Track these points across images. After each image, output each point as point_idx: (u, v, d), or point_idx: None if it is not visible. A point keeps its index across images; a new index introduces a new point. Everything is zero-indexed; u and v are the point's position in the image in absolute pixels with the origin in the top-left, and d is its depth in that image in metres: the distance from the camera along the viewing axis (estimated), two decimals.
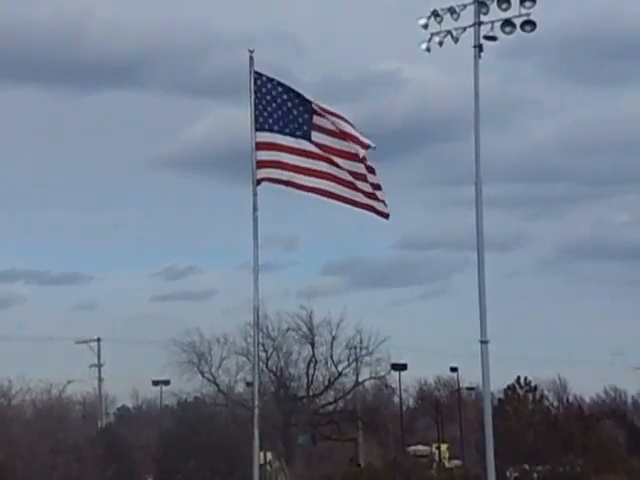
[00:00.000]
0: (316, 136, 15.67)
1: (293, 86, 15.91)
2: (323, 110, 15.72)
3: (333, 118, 15.69)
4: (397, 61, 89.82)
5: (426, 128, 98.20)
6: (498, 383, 48.61)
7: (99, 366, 75.01)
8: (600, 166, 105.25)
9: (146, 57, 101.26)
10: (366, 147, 15.73)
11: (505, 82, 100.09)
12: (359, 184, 15.67)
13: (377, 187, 15.79)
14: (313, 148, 15.71)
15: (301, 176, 15.72)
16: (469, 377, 66.62)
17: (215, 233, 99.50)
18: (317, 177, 15.71)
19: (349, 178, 15.67)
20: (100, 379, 74.83)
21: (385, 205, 15.86)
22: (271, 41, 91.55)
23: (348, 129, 15.70)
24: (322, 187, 15.75)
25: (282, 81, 15.87)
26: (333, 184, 15.70)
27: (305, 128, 15.69)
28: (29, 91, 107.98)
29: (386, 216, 15.92)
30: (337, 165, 15.69)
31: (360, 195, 15.71)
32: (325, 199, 15.82)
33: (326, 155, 15.71)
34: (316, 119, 15.69)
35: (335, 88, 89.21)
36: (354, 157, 15.63)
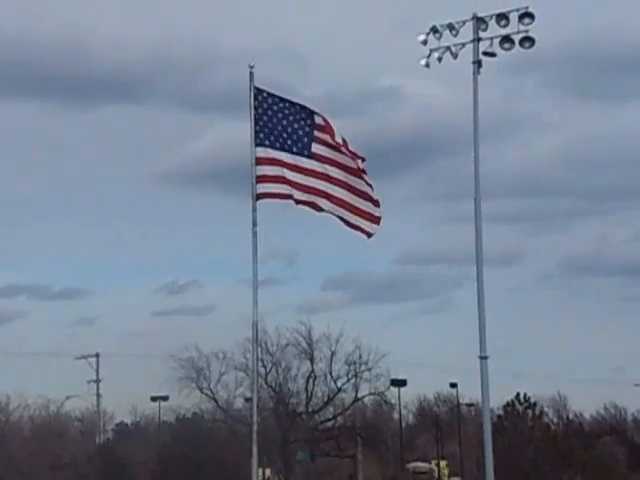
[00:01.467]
0: (317, 148, 15.71)
1: (294, 99, 15.98)
2: (325, 123, 15.80)
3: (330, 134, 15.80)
4: (399, 76, 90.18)
5: (428, 143, 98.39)
6: (498, 399, 48.57)
7: (97, 382, 74.84)
8: (601, 182, 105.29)
9: (148, 72, 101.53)
10: (361, 159, 15.90)
11: (507, 98, 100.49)
12: (356, 202, 15.72)
13: (376, 203, 15.84)
14: (311, 165, 15.77)
15: (299, 192, 15.79)
16: (469, 393, 66.54)
17: (216, 248, 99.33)
18: (314, 194, 15.80)
19: (345, 197, 15.74)
20: (98, 395, 74.71)
21: (378, 222, 15.85)
22: (273, 56, 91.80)
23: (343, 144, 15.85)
24: (319, 204, 15.83)
25: (283, 96, 15.94)
26: (326, 202, 15.77)
27: (305, 141, 15.74)
28: (31, 106, 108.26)
29: (369, 235, 15.88)
30: (336, 180, 15.76)
31: (350, 215, 15.76)
32: (320, 214, 15.91)
33: (324, 171, 15.78)
34: (317, 133, 15.76)
35: (337, 103, 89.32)
36: (355, 171, 15.73)
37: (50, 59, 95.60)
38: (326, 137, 15.74)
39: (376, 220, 15.88)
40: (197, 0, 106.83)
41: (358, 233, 15.88)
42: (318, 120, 15.74)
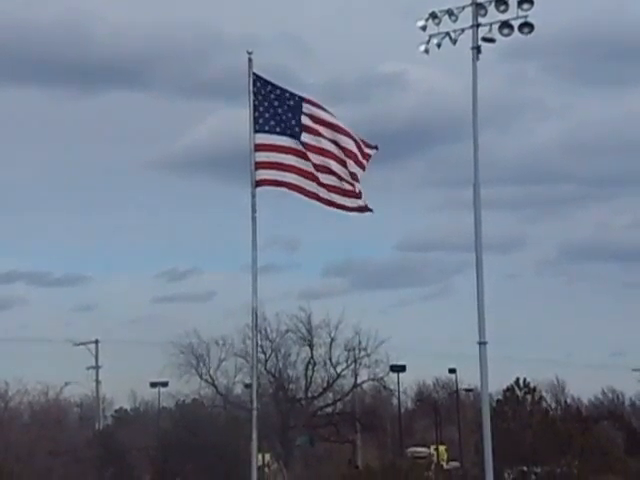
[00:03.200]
0: (305, 136, 15.89)
1: (291, 89, 16.09)
2: (317, 107, 15.99)
3: (329, 115, 15.93)
4: (402, 62, 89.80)
5: (429, 129, 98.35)
6: (497, 384, 48.69)
7: (97, 368, 74.93)
8: (603, 168, 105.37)
9: (151, 58, 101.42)
10: (372, 147, 16.14)
11: (509, 84, 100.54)
12: (346, 186, 15.90)
13: (355, 177, 15.98)
14: (303, 149, 15.93)
15: (296, 176, 15.92)
16: (468, 379, 66.67)
17: (217, 234, 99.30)
18: (310, 179, 15.92)
19: (335, 183, 15.89)
20: (97, 381, 74.79)
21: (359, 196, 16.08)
22: (276, 43, 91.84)
23: (345, 134, 15.98)
24: (312, 189, 15.98)
25: (278, 84, 16.08)
26: (320, 187, 15.96)
27: (297, 130, 15.94)
28: (33, 92, 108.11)
29: (369, 210, 16.16)
30: (324, 167, 15.87)
31: (345, 199, 15.96)
32: (315, 201, 16.02)
33: (314, 158, 15.94)
34: (305, 119, 15.83)
35: (339, 90, 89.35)
36: (341, 160, 15.92)
37: (50, 44, 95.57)
38: (311, 123, 15.92)
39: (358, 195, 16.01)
40: None
41: (354, 214, 16.07)
42: (306, 108, 15.87)
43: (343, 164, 15.92)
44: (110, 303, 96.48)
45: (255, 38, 76.30)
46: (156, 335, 78.93)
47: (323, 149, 15.90)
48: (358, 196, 15.98)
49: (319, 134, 15.89)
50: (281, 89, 16.01)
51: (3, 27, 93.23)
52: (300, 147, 15.90)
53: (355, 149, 16.02)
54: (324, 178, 15.89)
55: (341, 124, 16.03)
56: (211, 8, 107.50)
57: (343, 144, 15.92)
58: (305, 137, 15.90)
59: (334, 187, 15.89)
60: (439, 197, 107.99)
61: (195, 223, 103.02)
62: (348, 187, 15.90)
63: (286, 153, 15.91)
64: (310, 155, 15.92)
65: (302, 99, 15.93)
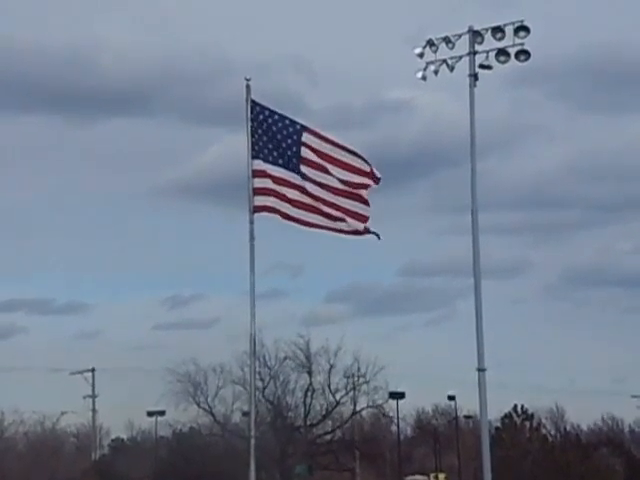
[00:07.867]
0: (304, 169, 15.76)
1: (296, 114, 16.11)
2: (318, 137, 15.74)
3: (330, 146, 15.76)
4: (408, 89, 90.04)
5: (434, 155, 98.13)
6: (496, 411, 48.54)
7: (93, 397, 74.51)
8: (606, 193, 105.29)
9: (154, 85, 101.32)
10: (374, 179, 15.87)
11: (513, 109, 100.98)
12: (339, 216, 15.76)
13: (364, 219, 15.80)
14: (300, 181, 15.77)
15: (292, 207, 15.86)
16: (467, 405, 66.36)
17: (220, 261, 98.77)
18: (308, 210, 15.81)
19: (331, 211, 15.74)
20: (94, 410, 74.36)
21: (366, 229, 15.87)
22: (283, 69, 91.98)
23: (346, 160, 15.79)
24: (307, 219, 15.86)
25: (278, 111, 16.01)
26: (316, 216, 15.80)
27: (295, 161, 15.78)
28: (38, 118, 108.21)
29: (360, 233, 15.91)
30: (320, 198, 15.76)
31: (341, 225, 15.82)
32: (308, 228, 15.92)
33: (312, 191, 15.79)
34: (304, 151, 15.74)
35: (346, 115, 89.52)
36: (338, 191, 15.72)
37: (55, 72, 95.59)
38: (312, 155, 15.74)
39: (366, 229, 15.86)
40: (206, 12, 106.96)
41: (361, 237, 15.92)
42: (306, 138, 15.72)
43: (345, 195, 15.74)
44: (112, 331, 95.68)
45: (261, 64, 76.26)
46: (157, 363, 78.22)
47: (322, 183, 15.75)
48: (363, 220, 15.75)
49: (319, 167, 15.73)
50: (280, 115, 15.90)
51: (7, 55, 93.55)
52: (298, 180, 15.77)
53: (358, 179, 15.80)
54: (317, 204, 15.74)
55: (343, 158, 15.77)
56: (216, 34, 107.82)
57: (345, 177, 15.74)
58: (304, 169, 15.76)
59: (326, 214, 15.72)
60: (443, 222, 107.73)
61: (200, 249, 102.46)
62: (352, 210, 15.72)
63: (282, 185, 15.84)
64: (308, 187, 15.75)
65: (303, 128, 15.81)
